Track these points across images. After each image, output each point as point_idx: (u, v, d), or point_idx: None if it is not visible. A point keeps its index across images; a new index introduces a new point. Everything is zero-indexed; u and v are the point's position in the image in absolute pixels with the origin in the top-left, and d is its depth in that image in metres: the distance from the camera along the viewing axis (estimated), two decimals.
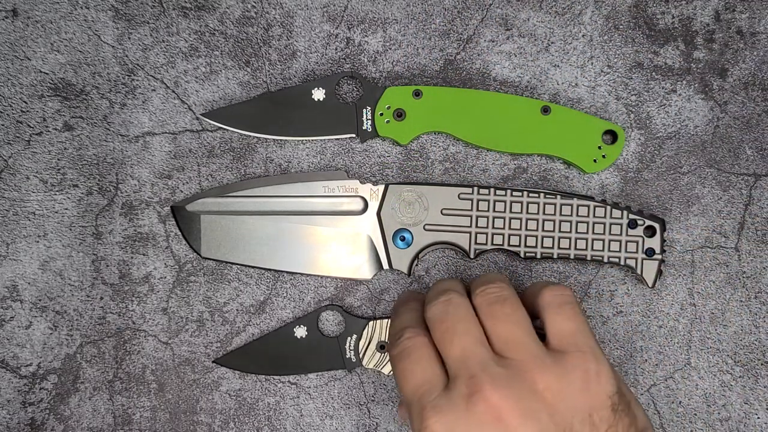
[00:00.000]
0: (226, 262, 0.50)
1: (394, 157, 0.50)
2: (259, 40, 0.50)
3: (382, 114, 0.49)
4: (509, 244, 0.48)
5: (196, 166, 0.50)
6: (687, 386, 0.49)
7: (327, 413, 0.50)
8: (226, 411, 0.50)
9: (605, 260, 0.47)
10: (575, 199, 0.48)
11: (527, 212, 0.48)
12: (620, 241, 0.47)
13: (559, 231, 0.48)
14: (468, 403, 0.34)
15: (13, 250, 0.50)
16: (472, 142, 0.49)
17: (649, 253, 0.47)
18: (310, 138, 0.49)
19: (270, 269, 0.50)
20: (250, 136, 0.50)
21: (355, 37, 0.50)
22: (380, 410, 0.50)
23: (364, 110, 0.49)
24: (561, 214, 0.48)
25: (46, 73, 0.50)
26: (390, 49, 0.51)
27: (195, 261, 0.50)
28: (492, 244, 0.48)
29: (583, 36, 0.50)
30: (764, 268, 0.50)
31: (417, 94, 0.48)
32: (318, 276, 0.50)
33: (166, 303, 0.50)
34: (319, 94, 0.49)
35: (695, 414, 0.49)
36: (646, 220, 0.47)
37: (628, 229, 0.47)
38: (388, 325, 0.47)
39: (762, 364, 0.49)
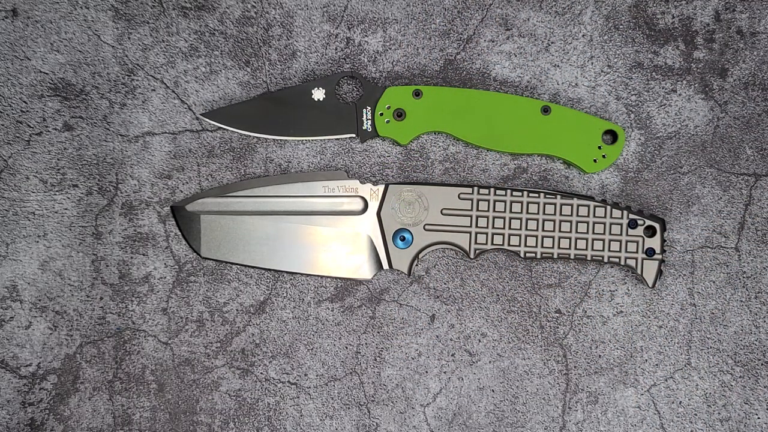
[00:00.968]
0: (226, 262, 0.50)
1: (394, 157, 0.50)
2: (259, 40, 0.50)
3: (382, 114, 0.49)
4: (509, 244, 0.48)
5: (196, 166, 0.50)
6: (687, 386, 0.49)
7: (327, 413, 0.50)
8: (226, 411, 0.50)
9: (605, 260, 0.47)
10: (575, 199, 0.47)
11: (527, 212, 0.48)
12: (620, 241, 0.47)
13: (559, 231, 0.48)
14: None
15: (12, 250, 0.50)
16: (472, 142, 0.49)
17: (650, 253, 0.47)
18: (310, 138, 0.49)
19: (270, 269, 0.50)
20: (250, 136, 0.50)
21: (355, 37, 0.50)
22: (380, 410, 0.50)
23: (364, 110, 0.49)
24: (561, 214, 0.47)
25: (46, 73, 0.50)
26: (390, 49, 0.50)
27: (195, 261, 0.50)
28: (492, 244, 0.48)
29: (583, 36, 0.50)
30: (764, 268, 0.50)
31: (417, 94, 0.48)
32: (318, 276, 0.50)
33: (166, 303, 0.50)
34: (319, 94, 0.49)
35: (695, 414, 0.49)
36: (646, 220, 0.47)
37: (628, 229, 0.47)
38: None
39: (762, 364, 0.49)
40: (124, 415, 0.50)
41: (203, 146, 0.50)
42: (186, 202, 0.49)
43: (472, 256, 0.48)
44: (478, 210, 0.48)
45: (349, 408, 0.50)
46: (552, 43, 0.50)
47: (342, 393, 0.50)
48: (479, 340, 0.50)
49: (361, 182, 0.48)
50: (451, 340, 0.50)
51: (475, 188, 0.48)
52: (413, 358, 0.50)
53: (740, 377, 0.49)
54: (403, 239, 0.48)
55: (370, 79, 0.50)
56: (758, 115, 0.50)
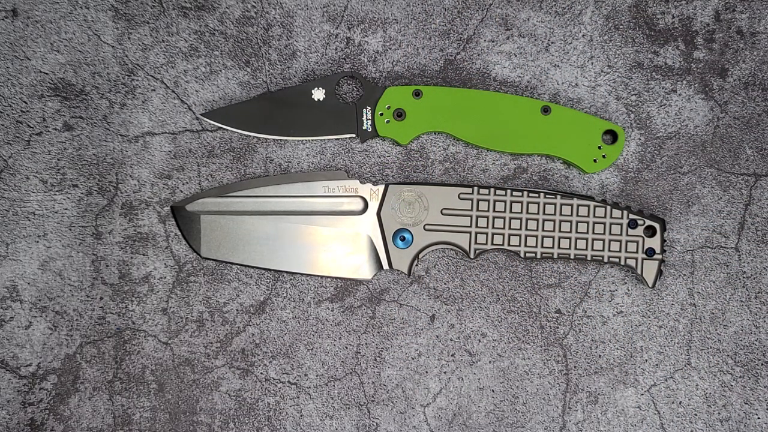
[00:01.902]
0: (226, 262, 0.50)
1: (394, 157, 0.50)
2: (259, 40, 0.50)
3: (382, 114, 0.49)
4: (509, 244, 0.48)
5: (196, 166, 0.50)
6: (687, 386, 0.49)
7: (327, 413, 0.50)
8: (226, 411, 0.50)
9: (605, 260, 0.47)
10: (575, 199, 0.47)
11: (527, 212, 0.48)
12: (620, 241, 0.47)
13: (559, 231, 0.48)
14: None
15: (12, 250, 0.50)
16: (472, 142, 0.49)
17: (650, 253, 0.47)
18: (310, 138, 0.49)
19: (270, 269, 0.50)
20: (250, 136, 0.50)
21: (355, 37, 0.50)
22: (380, 410, 0.50)
23: (364, 110, 0.49)
24: (561, 214, 0.47)
25: (46, 73, 0.50)
26: (390, 49, 0.50)
27: (195, 261, 0.50)
28: (492, 244, 0.48)
29: (583, 36, 0.50)
30: (764, 268, 0.50)
31: (417, 94, 0.48)
32: (318, 276, 0.50)
33: (166, 303, 0.50)
34: (319, 94, 0.49)
35: (695, 414, 0.49)
36: (646, 220, 0.47)
37: (628, 229, 0.47)
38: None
39: (762, 364, 0.49)
40: (124, 415, 0.50)
41: (203, 146, 0.50)
42: (186, 202, 0.49)
43: (472, 256, 0.48)
44: (478, 210, 0.48)
45: (349, 408, 0.50)
46: (552, 43, 0.50)
47: (342, 393, 0.50)
48: (479, 340, 0.50)
49: (361, 182, 0.48)
50: (451, 340, 0.50)
51: (475, 188, 0.48)
52: (413, 358, 0.50)
53: (740, 377, 0.49)
54: (403, 239, 0.48)
55: (370, 79, 0.50)
56: (758, 115, 0.50)
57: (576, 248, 0.47)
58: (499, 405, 0.50)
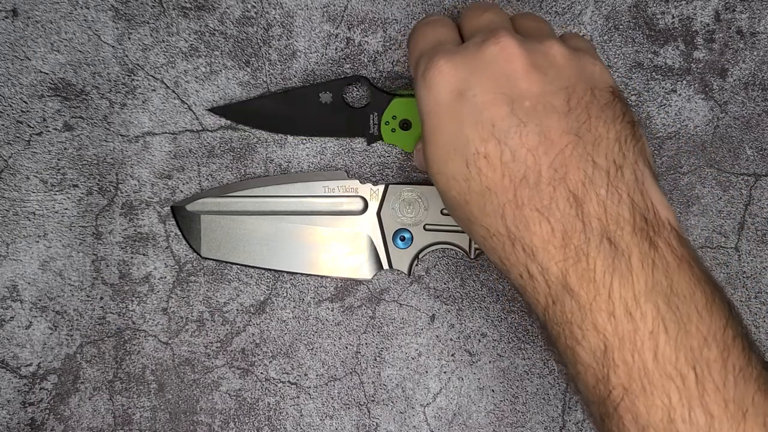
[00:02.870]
0: (226, 262, 0.50)
1: (394, 157, 0.50)
2: (259, 40, 0.50)
3: (387, 123, 0.48)
4: None
5: (196, 166, 0.50)
6: None
7: (327, 413, 0.50)
8: (226, 411, 0.50)
9: None
10: None
11: None
12: None
13: None
14: (482, 44, 0.34)
15: (13, 250, 0.50)
16: None
17: None
18: (318, 138, 0.49)
19: (270, 269, 0.50)
20: (255, 133, 0.50)
21: (355, 37, 0.50)
22: (380, 410, 0.50)
23: (371, 115, 0.49)
24: None
25: (46, 73, 0.50)
26: (390, 49, 0.50)
27: (195, 261, 0.50)
28: None
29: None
30: (764, 268, 0.50)
31: None
32: (318, 276, 0.50)
33: (166, 303, 0.50)
34: (326, 97, 0.49)
35: None
36: None
37: None
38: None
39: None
40: (125, 415, 0.50)
41: (203, 146, 0.50)
42: (186, 202, 0.49)
43: (472, 256, 0.48)
44: None
45: (349, 408, 0.50)
46: None
47: (342, 393, 0.50)
48: (479, 340, 0.50)
49: (361, 182, 0.48)
50: (451, 340, 0.50)
51: None
52: (413, 358, 0.50)
53: None
54: (403, 239, 0.48)
55: (378, 86, 0.50)
56: (758, 115, 0.50)
57: None
58: (499, 405, 0.50)
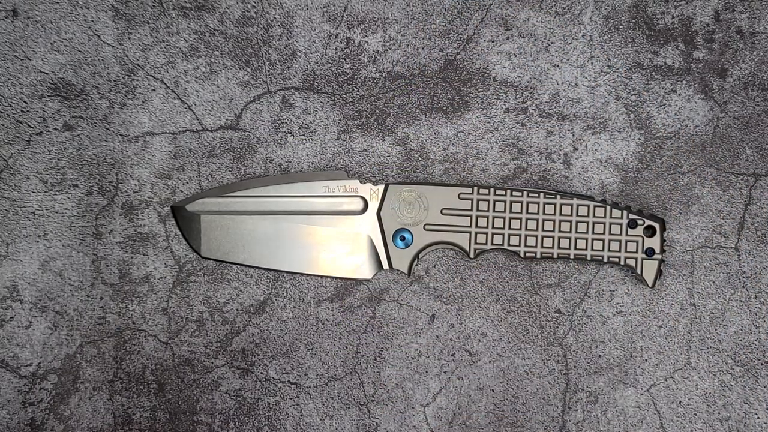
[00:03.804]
0: (226, 262, 0.50)
1: (394, 157, 0.50)
2: (259, 40, 0.50)
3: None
4: (509, 244, 0.48)
5: (196, 166, 0.50)
6: (687, 386, 0.49)
7: (327, 413, 0.50)
8: (226, 411, 0.50)
9: (605, 260, 0.47)
10: (575, 199, 0.48)
11: (527, 212, 0.48)
12: (620, 241, 0.47)
13: (559, 231, 0.48)
14: None
15: (13, 250, 0.50)
16: None
17: (649, 253, 0.47)
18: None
19: (270, 269, 0.50)
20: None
21: (355, 37, 0.50)
22: (380, 410, 0.50)
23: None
24: (561, 214, 0.48)
25: (46, 73, 0.50)
26: (390, 49, 0.51)
27: (195, 261, 0.50)
28: (492, 243, 0.48)
29: (583, 36, 0.50)
30: (764, 268, 0.50)
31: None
32: (318, 276, 0.50)
33: (166, 303, 0.50)
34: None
35: (695, 414, 0.49)
36: (646, 220, 0.47)
37: (628, 229, 0.47)
38: None
39: (762, 364, 0.49)
40: (125, 415, 0.50)
41: (203, 146, 0.50)
42: (186, 202, 0.49)
43: (472, 256, 0.48)
44: (478, 210, 0.48)
45: (349, 408, 0.50)
46: (552, 43, 0.50)
47: (342, 393, 0.50)
48: (479, 340, 0.50)
49: (361, 182, 0.48)
50: (451, 339, 0.50)
51: (475, 188, 0.48)
52: (413, 358, 0.50)
53: (740, 377, 0.49)
54: (403, 239, 0.48)
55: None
56: (758, 115, 0.50)
57: (576, 248, 0.47)
58: (499, 405, 0.50)
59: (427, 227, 0.48)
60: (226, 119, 0.50)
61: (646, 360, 0.49)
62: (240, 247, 0.49)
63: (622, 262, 0.47)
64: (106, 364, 0.50)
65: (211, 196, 0.49)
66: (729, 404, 0.49)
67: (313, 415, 0.50)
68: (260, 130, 0.50)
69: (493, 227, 0.48)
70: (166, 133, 0.50)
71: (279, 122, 0.50)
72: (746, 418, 0.49)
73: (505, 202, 0.48)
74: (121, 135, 0.50)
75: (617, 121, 0.50)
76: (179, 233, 0.50)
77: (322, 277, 0.50)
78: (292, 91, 0.50)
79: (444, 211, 0.48)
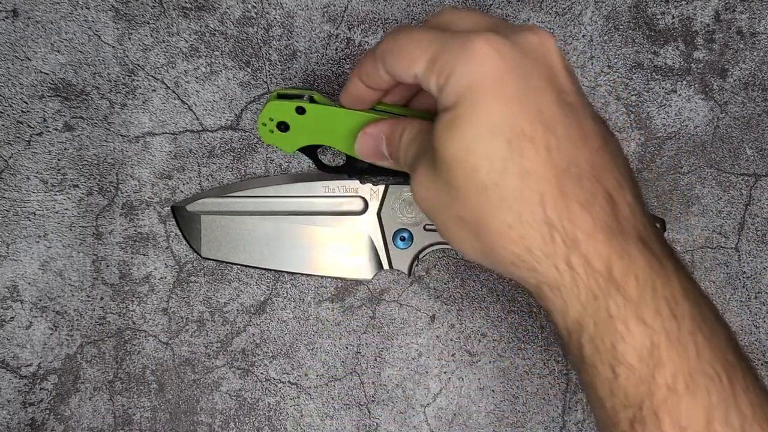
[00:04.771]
0: (226, 262, 0.50)
1: None
2: (259, 41, 0.50)
3: (265, 124, 0.46)
4: None
5: (196, 166, 0.50)
6: None
7: (327, 413, 0.50)
8: (226, 411, 0.50)
9: None
10: None
11: None
12: None
13: None
14: (521, 32, 0.33)
15: (13, 250, 0.50)
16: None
17: None
18: None
19: (270, 269, 0.50)
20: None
21: (356, 38, 0.50)
22: (380, 410, 0.50)
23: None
24: None
25: (47, 74, 0.50)
26: None
27: (195, 261, 0.50)
28: None
29: (583, 36, 0.50)
30: (764, 268, 0.50)
31: (300, 110, 0.44)
32: (318, 276, 0.50)
33: (166, 303, 0.50)
34: None
35: None
36: None
37: None
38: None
39: (762, 364, 0.49)
40: (125, 415, 0.50)
41: (203, 146, 0.50)
42: (186, 202, 0.49)
43: None
44: None
45: (349, 408, 0.50)
46: None
47: (342, 393, 0.50)
48: (479, 340, 0.50)
49: (361, 182, 0.48)
50: (451, 340, 0.50)
51: None
52: (413, 358, 0.50)
53: None
54: (403, 239, 0.48)
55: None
56: (758, 115, 0.50)
57: None
58: (499, 405, 0.50)
59: (427, 227, 0.48)
60: (227, 119, 0.50)
61: None
62: (240, 248, 0.49)
63: None
64: (107, 365, 0.50)
65: (211, 196, 0.49)
66: None
67: (314, 416, 0.50)
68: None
69: None
70: (166, 133, 0.50)
71: None
72: None
73: None
74: (121, 135, 0.50)
75: (617, 121, 0.50)
76: (179, 233, 0.50)
77: (322, 277, 0.50)
78: None
79: None
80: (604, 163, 0.32)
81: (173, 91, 0.50)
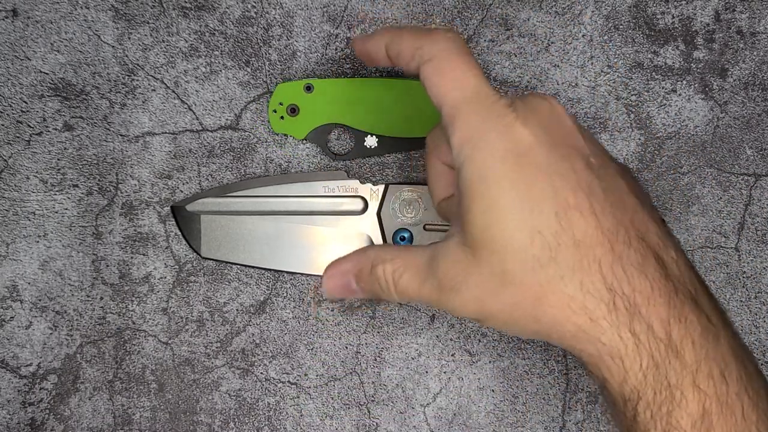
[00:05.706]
0: (226, 262, 0.50)
1: (394, 157, 0.50)
2: (259, 40, 0.50)
3: (275, 111, 0.48)
4: None
5: (196, 166, 0.50)
6: None
7: (327, 413, 0.50)
8: (226, 411, 0.50)
9: None
10: None
11: None
12: None
13: None
14: (528, 99, 0.33)
15: (13, 250, 0.50)
16: (371, 131, 0.48)
17: None
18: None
19: (270, 269, 0.50)
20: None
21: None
22: (380, 410, 0.50)
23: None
24: None
25: (46, 73, 0.50)
26: None
27: (195, 261, 0.50)
28: None
29: (583, 36, 0.50)
30: (764, 268, 0.50)
31: (308, 88, 0.48)
32: (318, 276, 0.50)
33: (166, 303, 0.50)
34: None
35: None
36: None
37: None
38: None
39: (762, 364, 0.49)
40: (125, 415, 0.50)
41: (203, 146, 0.50)
42: (186, 202, 0.49)
43: None
44: None
45: (349, 408, 0.50)
46: (552, 43, 0.50)
47: (342, 393, 0.50)
48: (479, 340, 0.50)
49: (361, 182, 0.48)
50: (450, 339, 0.50)
51: None
52: (413, 358, 0.50)
53: None
54: (403, 239, 0.48)
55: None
56: (758, 115, 0.50)
57: None
58: (499, 405, 0.50)
59: (427, 227, 0.48)
60: (226, 119, 0.50)
61: None
62: (240, 247, 0.49)
63: None
64: (106, 364, 0.50)
65: (211, 196, 0.49)
66: None
67: (313, 415, 0.50)
68: (260, 130, 0.50)
69: None
70: (166, 133, 0.50)
71: None
72: None
73: None
74: (121, 135, 0.50)
75: (617, 121, 0.50)
76: (179, 233, 0.50)
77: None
78: None
79: None
80: (645, 221, 0.32)
81: (173, 91, 0.50)
